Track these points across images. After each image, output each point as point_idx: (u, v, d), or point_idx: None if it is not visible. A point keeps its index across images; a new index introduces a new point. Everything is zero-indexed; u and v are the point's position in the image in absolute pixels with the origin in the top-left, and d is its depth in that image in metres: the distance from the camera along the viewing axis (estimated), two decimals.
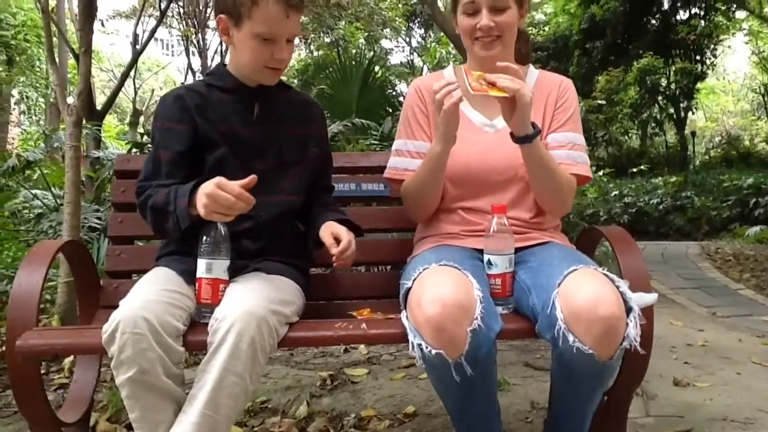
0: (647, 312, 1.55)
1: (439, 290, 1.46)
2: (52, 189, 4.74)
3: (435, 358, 1.43)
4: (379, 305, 1.93)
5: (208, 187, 1.54)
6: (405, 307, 1.57)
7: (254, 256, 1.76)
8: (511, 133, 1.69)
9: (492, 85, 1.64)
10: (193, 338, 1.52)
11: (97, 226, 3.92)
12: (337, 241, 1.70)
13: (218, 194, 1.51)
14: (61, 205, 3.69)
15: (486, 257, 1.67)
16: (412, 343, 1.47)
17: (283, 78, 1.90)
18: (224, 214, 1.54)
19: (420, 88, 1.98)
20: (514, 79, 1.62)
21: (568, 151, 1.86)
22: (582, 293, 1.45)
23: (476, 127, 1.91)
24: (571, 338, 1.44)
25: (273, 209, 1.77)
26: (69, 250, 1.96)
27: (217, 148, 1.76)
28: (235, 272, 1.65)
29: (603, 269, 1.55)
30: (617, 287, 1.49)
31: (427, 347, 1.43)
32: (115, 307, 1.47)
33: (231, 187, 1.52)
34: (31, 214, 4.85)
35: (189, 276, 1.64)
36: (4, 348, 2.02)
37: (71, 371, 2.61)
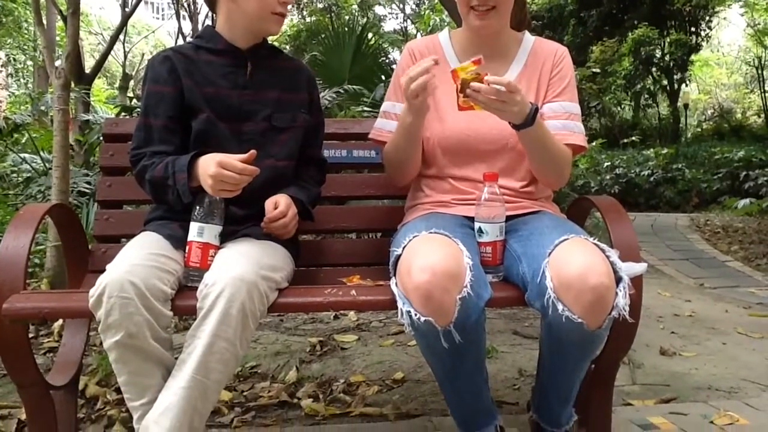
0: (636, 282, 1.56)
1: (428, 258, 1.45)
2: (41, 153, 4.69)
3: (424, 325, 1.43)
4: (369, 272, 1.93)
5: (211, 168, 1.55)
6: (395, 274, 1.56)
7: (243, 221, 1.75)
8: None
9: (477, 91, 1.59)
10: (182, 303, 1.52)
11: (87, 190, 3.89)
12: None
13: (223, 173, 1.54)
14: (50, 169, 3.65)
15: (477, 225, 1.67)
16: (401, 310, 1.47)
17: (275, 43, 1.88)
18: (231, 190, 1.57)
19: (413, 50, 1.96)
20: (499, 98, 1.58)
21: (564, 121, 1.84)
22: (572, 263, 1.45)
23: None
24: (560, 307, 1.44)
25: (261, 175, 1.76)
26: (56, 213, 1.94)
27: (203, 111, 1.74)
28: (224, 238, 1.64)
29: (594, 239, 1.55)
30: (607, 257, 1.49)
31: (416, 314, 1.43)
32: (104, 271, 1.46)
33: (233, 164, 1.55)
34: (19, 178, 4.81)
35: (177, 241, 1.63)
36: None
37: (60, 335, 2.61)
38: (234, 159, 1.55)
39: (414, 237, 1.56)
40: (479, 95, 1.58)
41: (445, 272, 1.43)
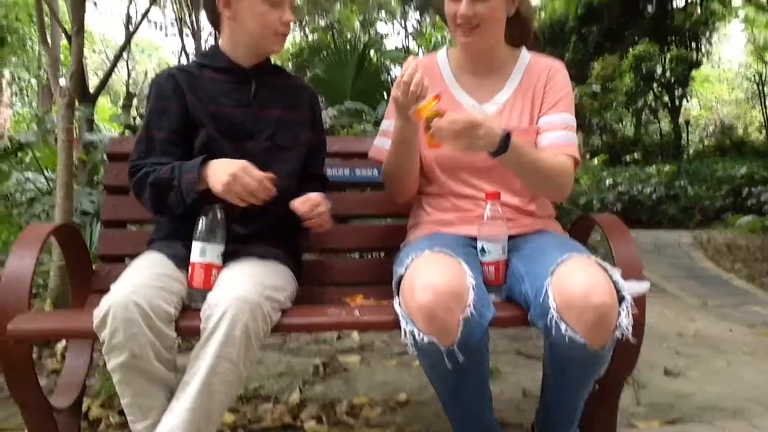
0: (639, 301, 1.55)
1: (431, 277, 1.45)
2: (45, 172, 4.70)
3: (427, 346, 1.43)
4: (373, 291, 1.93)
5: (233, 167, 1.58)
6: (398, 294, 1.57)
7: (245, 240, 1.75)
8: None
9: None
10: (185, 323, 1.52)
11: (90, 210, 3.89)
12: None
13: (243, 176, 1.58)
14: (54, 188, 3.66)
15: (479, 244, 1.67)
16: (404, 330, 1.47)
17: (278, 61, 1.90)
18: (241, 197, 1.59)
19: None
20: (459, 134, 1.59)
21: (561, 132, 1.84)
22: (575, 282, 1.45)
23: (465, 110, 1.89)
24: (563, 327, 1.44)
25: None
26: (61, 233, 1.94)
27: (206, 128, 1.75)
28: (226, 257, 1.64)
29: (597, 257, 1.55)
30: (610, 276, 1.49)
31: (419, 334, 1.43)
32: (108, 291, 1.46)
33: (255, 173, 1.59)
34: (23, 198, 4.81)
35: (180, 261, 1.64)
36: None
37: (63, 356, 2.60)
38: (258, 171, 1.60)
39: (417, 256, 1.56)
40: (442, 132, 1.59)
41: (448, 292, 1.43)
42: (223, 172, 1.59)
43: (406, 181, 1.90)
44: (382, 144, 1.97)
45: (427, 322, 1.42)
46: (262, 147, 1.80)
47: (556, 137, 1.83)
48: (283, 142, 1.84)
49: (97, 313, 1.42)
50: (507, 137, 1.63)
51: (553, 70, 1.91)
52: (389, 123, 1.95)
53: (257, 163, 1.67)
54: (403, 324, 1.48)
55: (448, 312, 1.42)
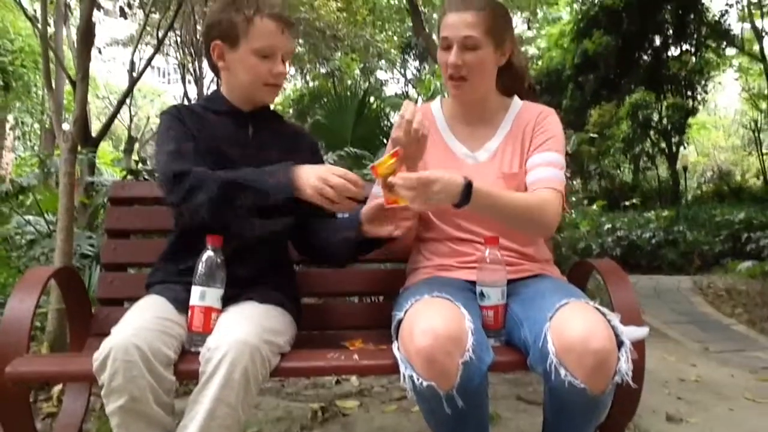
0: (638, 346, 1.56)
1: (430, 321, 1.46)
2: (45, 215, 4.72)
3: (426, 390, 1.43)
4: (372, 336, 1.93)
5: (320, 170, 1.60)
6: (397, 338, 1.56)
7: (244, 284, 1.75)
8: None
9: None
10: (184, 367, 1.52)
11: (90, 253, 3.90)
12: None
13: (330, 177, 1.58)
14: (54, 231, 3.67)
15: (479, 289, 1.68)
16: (404, 374, 1.47)
17: (279, 107, 1.93)
18: (332, 200, 1.59)
19: None
20: (414, 191, 1.58)
21: (544, 168, 1.84)
22: (573, 327, 1.45)
23: (458, 158, 1.93)
24: (563, 372, 1.44)
25: (258, 234, 1.79)
26: (61, 276, 1.95)
27: (205, 163, 1.75)
28: (226, 301, 1.65)
29: (595, 302, 1.56)
30: (608, 321, 1.50)
31: (418, 379, 1.43)
32: (107, 334, 1.46)
33: (340, 171, 1.60)
34: (23, 240, 4.82)
35: (181, 304, 1.64)
36: None
37: (60, 400, 2.58)
38: (340, 169, 1.62)
39: (416, 300, 1.57)
40: (397, 190, 1.59)
41: (447, 336, 1.43)
42: (310, 176, 1.60)
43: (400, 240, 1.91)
44: (378, 192, 1.99)
45: (426, 367, 1.42)
46: None
47: (540, 174, 1.84)
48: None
49: (97, 355, 1.42)
50: (467, 187, 1.61)
51: (543, 115, 1.94)
52: None
53: None
54: (402, 368, 1.48)
55: (447, 356, 1.42)
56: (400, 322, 1.56)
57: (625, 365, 1.44)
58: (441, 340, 1.42)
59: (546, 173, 1.84)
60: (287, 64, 1.86)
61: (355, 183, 1.60)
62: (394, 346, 1.55)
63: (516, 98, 2.01)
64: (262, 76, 1.79)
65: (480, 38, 1.80)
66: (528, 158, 1.89)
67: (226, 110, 1.87)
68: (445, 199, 1.60)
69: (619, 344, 1.47)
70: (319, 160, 2.01)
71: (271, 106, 1.96)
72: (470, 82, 1.85)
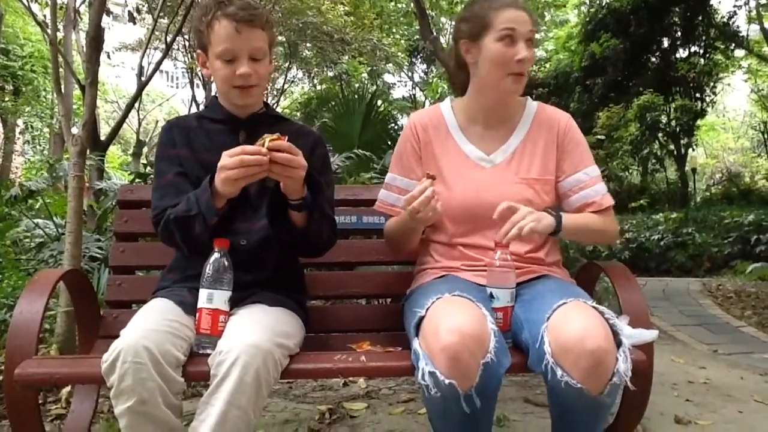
0: (647, 348, 1.55)
1: (456, 320, 1.45)
2: (54, 218, 4.74)
3: (446, 388, 1.41)
4: (379, 338, 1.93)
5: (220, 164, 1.60)
6: (417, 335, 1.55)
7: (250, 287, 1.75)
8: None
9: None
10: (193, 369, 1.52)
11: (98, 255, 3.91)
12: None
13: (223, 161, 1.58)
14: (63, 234, 3.69)
15: (489, 290, 1.67)
16: (424, 371, 1.44)
17: (286, 111, 1.93)
18: (245, 176, 1.58)
19: (415, 124, 1.99)
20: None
21: (594, 187, 1.90)
22: (570, 327, 1.45)
23: (472, 162, 1.92)
24: (559, 372, 1.43)
25: (255, 235, 1.79)
26: (70, 279, 1.96)
27: (198, 176, 1.76)
28: (233, 304, 1.65)
29: (593, 302, 1.55)
30: (607, 320, 1.49)
31: (440, 376, 1.42)
32: (115, 337, 1.47)
33: (231, 152, 1.58)
34: (32, 243, 4.85)
35: (188, 307, 1.65)
36: (1, 377, 2.01)
37: (68, 402, 2.59)
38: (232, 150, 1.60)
39: (437, 299, 1.56)
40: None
41: (472, 335, 1.43)
42: (217, 173, 1.61)
43: (406, 247, 1.97)
44: (386, 197, 1.99)
45: (449, 365, 1.41)
46: (253, 190, 1.80)
47: (592, 193, 1.89)
48: (272, 184, 1.80)
49: (106, 357, 1.43)
50: (559, 218, 1.75)
51: (566, 124, 1.95)
52: (392, 177, 1.98)
53: (250, 206, 1.73)
54: (422, 364, 1.46)
55: (471, 356, 1.42)
56: (421, 319, 1.55)
57: (623, 366, 1.43)
58: (466, 339, 1.41)
59: (597, 192, 1.90)
60: (269, 60, 1.83)
61: (249, 152, 1.57)
62: (415, 342, 1.54)
63: (529, 99, 2.01)
64: (229, 80, 1.77)
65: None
66: (572, 175, 1.91)
67: (222, 118, 1.89)
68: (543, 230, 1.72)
69: (618, 344, 1.46)
70: (321, 155, 1.96)
71: (281, 107, 1.96)
72: (525, 78, 1.85)
